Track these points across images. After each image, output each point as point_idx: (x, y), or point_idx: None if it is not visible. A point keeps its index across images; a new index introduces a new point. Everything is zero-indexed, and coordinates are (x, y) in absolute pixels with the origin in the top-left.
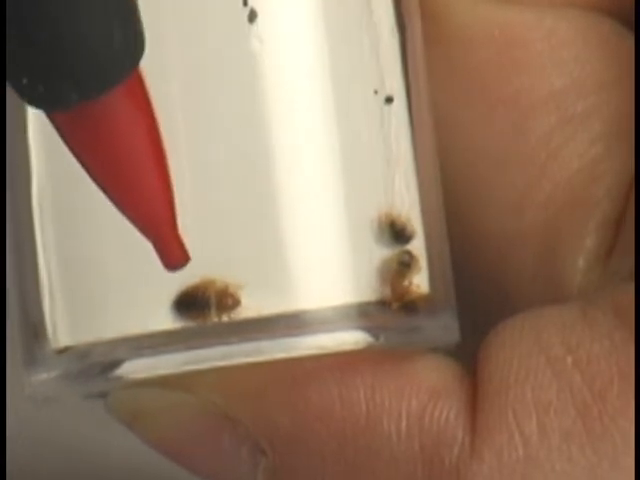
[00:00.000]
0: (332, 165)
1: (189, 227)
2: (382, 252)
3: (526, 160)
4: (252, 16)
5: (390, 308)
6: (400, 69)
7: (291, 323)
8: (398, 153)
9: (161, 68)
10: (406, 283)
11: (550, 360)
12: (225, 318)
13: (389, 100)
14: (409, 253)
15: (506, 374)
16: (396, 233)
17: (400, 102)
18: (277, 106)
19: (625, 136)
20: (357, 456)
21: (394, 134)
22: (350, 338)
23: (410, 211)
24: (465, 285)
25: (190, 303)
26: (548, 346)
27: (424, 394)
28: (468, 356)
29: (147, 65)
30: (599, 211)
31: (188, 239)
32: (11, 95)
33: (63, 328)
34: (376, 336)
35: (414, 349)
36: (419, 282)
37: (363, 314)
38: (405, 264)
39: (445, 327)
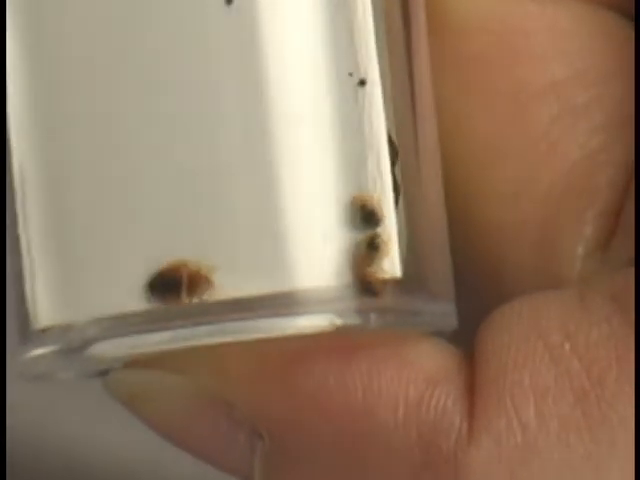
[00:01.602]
0: (303, 146)
1: (164, 209)
2: (351, 235)
3: (526, 150)
4: None
5: (357, 291)
6: (375, 51)
7: (262, 305)
8: (371, 136)
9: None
10: (373, 266)
11: (548, 345)
12: (196, 300)
13: (362, 83)
14: (378, 236)
15: (504, 360)
16: (366, 216)
17: (374, 85)
18: (248, 86)
19: (626, 127)
20: (353, 443)
21: (367, 117)
22: (319, 321)
23: (381, 194)
24: (463, 274)
25: (162, 285)
26: (546, 331)
27: (422, 381)
28: (466, 344)
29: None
30: (599, 200)
31: (163, 222)
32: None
33: (42, 309)
34: (348, 319)
35: (409, 333)
36: (388, 266)
37: (333, 297)
38: (374, 247)
39: (432, 312)
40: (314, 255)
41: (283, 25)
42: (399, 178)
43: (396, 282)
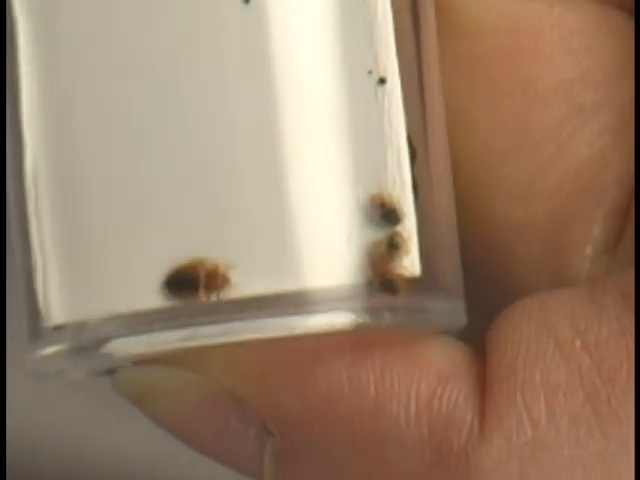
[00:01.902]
0: (321, 144)
1: (181, 207)
2: (371, 233)
3: (534, 150)
4: None
5: (377, 289)
6: (394, 50)
7: (280, 303)
8: (391, 134)
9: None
10: (392, 264)
11: (559, 343)
12: (214, 298)
13: (382, 81)
14: (398, 235)
15: (515, 357)
16: (386, 214)
17: (394, 83)
18: (266, 85)
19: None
20: (365, 440)
21: (387, 115)
22: (339, 319)
23: (401, 193)
24: (472, 274)
25: (179, 283)
26: (557, 329)
27: (433, 378)
28: (477, 341)
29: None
30: (608, 199)
31: (180, 219)
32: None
33: (55, 306)
34: (365, 317)
35: (420, 332)
36: (408, 264)
37: (351, 296)
38: (394, 246)
39: (442, 310)
40: (333, 253)
41: (301, 23)
42: (416, 177)
43: (414, 280)
